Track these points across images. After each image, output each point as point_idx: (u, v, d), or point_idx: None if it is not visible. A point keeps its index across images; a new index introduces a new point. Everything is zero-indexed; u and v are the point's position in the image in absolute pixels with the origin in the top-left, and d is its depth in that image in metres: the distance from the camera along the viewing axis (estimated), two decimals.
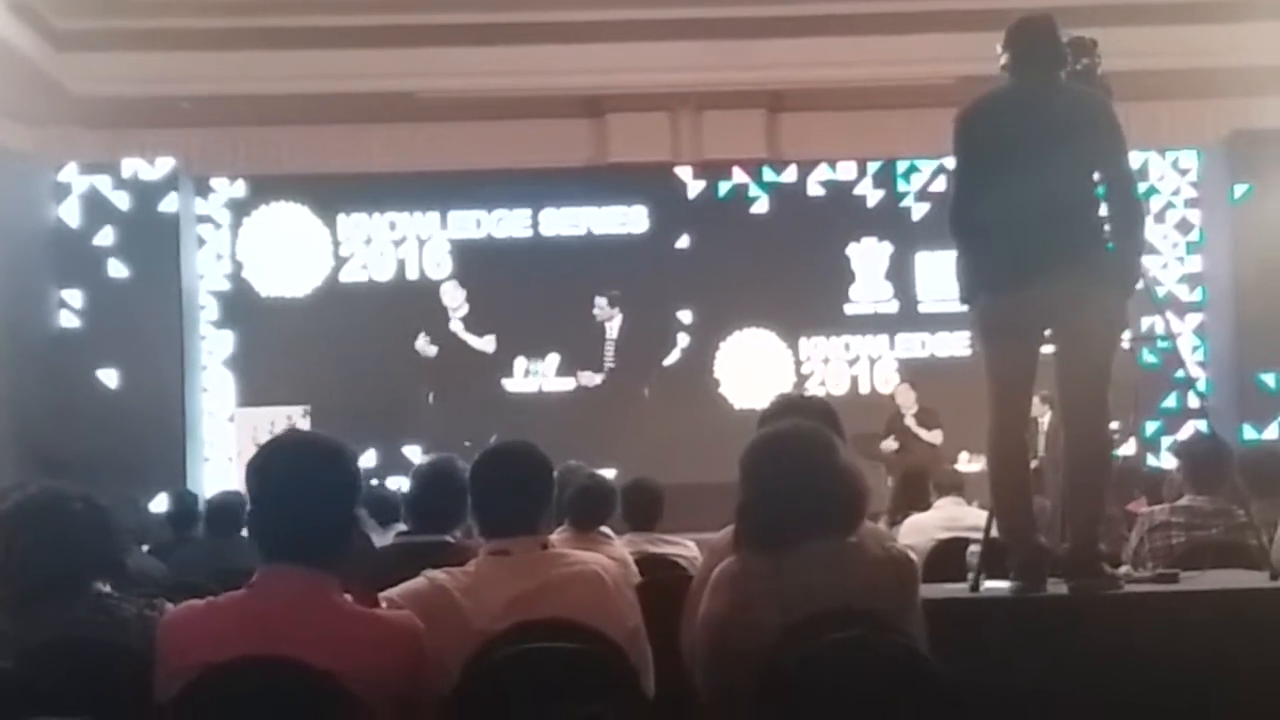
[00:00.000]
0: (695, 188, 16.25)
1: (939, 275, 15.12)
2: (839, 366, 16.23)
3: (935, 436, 13.74)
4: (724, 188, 16.25)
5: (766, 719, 3.45)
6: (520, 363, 16.18)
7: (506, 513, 3.95)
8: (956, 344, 15.54)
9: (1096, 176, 4.99)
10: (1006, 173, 4.94)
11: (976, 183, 5.06)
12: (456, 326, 16.14)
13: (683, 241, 16.20)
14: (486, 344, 16.09)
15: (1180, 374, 13.85)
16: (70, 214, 15.25)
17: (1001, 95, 5.14)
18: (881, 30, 14.31)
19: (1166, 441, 14.49)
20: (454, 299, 16.16)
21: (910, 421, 14.01)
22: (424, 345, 16.02)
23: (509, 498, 3.96)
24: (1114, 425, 5.25)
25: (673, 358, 16.21)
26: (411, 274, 16.27)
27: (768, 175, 16.23)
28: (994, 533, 5.13)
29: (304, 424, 15.01)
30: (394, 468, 14.41)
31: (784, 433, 3.87)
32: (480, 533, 4.06)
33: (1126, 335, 5.60)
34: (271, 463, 3.42)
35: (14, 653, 3.37)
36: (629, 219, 16.32)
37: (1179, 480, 6.81)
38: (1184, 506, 6.42)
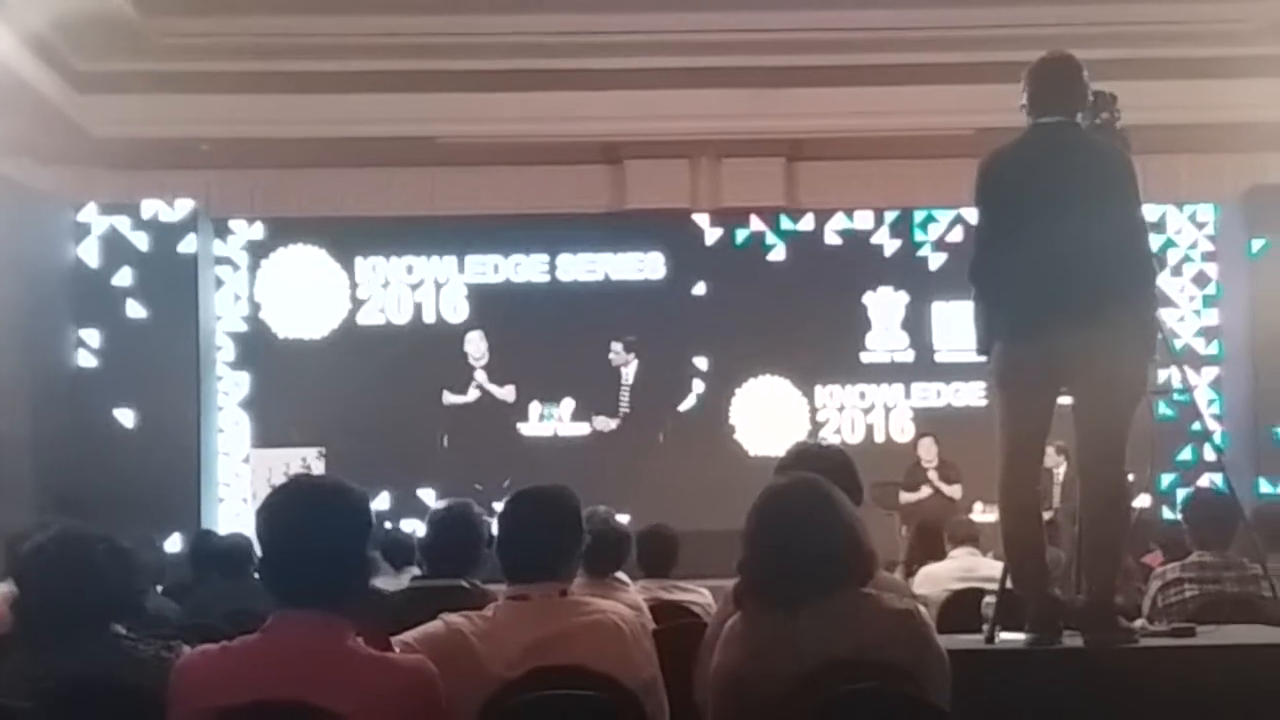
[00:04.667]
0: (713, 235, 16.28)
1: (955, 325, 15.13)
2: (854, 415, 16.21)
3: (955, 491, 13.74)
4: (741, 235, 16.28)
5: None
6: (535, 407, 16.18)
7: (529, 557, 3.95)
8: (972, 394, 15.52)
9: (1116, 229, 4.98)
10: (1027, 223, 4.94)
11: (997, 233, 5.05)
12: (480, 377, 16.16)
13: (699, 288, 16.21)
14: (507, 394, 16.12)
15: (1197, 427, 13.80)
16: (89, 254, 15.31)
17: (1022, 145, 5.14)
18: (901, 81, 14.33)
19: (1182, 494, 14.45)
20: (478, 349, 16.18)
21: (932, 475, 14.03)
22: (451, 395, 16.07)
23: (533, 542, 3.95)
24: (1130, 478, 5.23)
25: (688, 404, 16.21)
26: (429, 318, 16.30)
27: (785, 223, 16.26)
28: (1009, 584, 5.11)
29: (319, 466, 15.04)
30: (408, 511, 14.41)
31: (781, 492, 3.84)
32: (503, 576, 4.05)
33: None
34: (280, 509, 3.42)
35: (33, 692, 3.38)
36: (646, 265, 16.36)
37: (1187, 537, 6.80)
38: (1194, 563, 6.41)
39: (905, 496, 13.97)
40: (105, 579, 3.74)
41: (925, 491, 14.00)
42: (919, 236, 16.19)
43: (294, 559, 3.37)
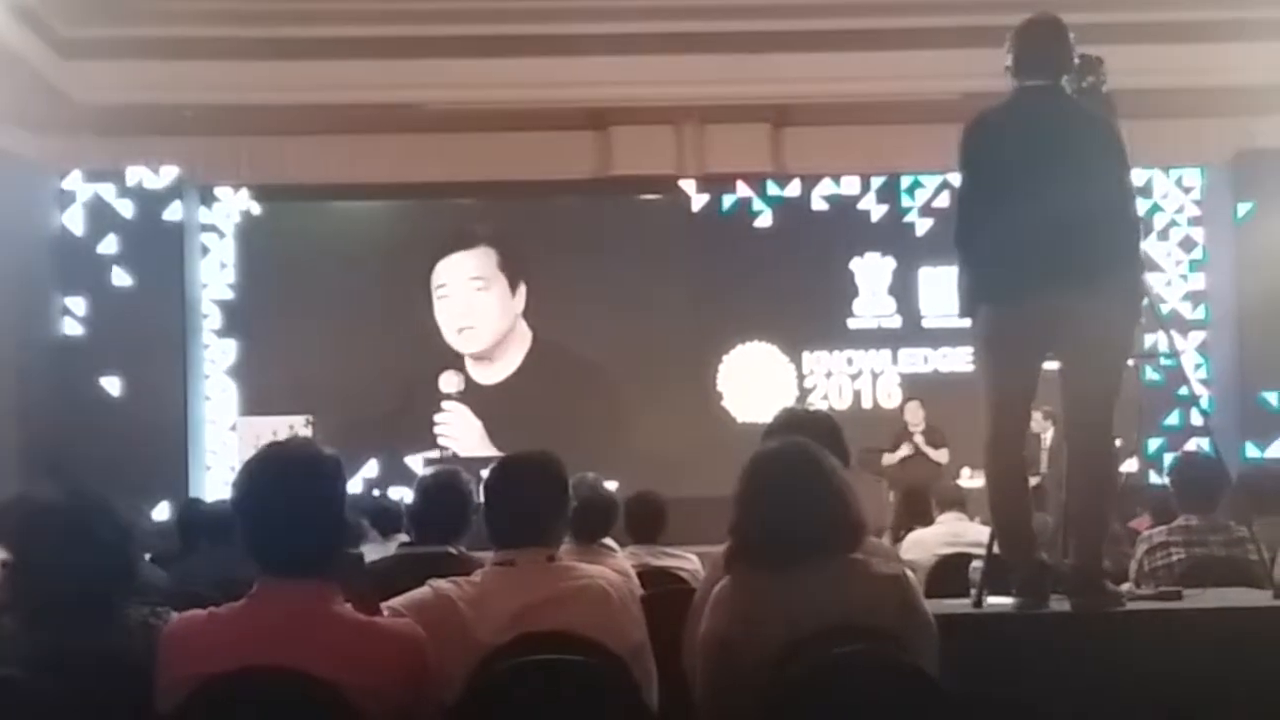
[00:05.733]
0: (699, 201, 16.24)
1: (942, 290, 15.14)
2: (841, 381, 16.21)
3: (942, 455, 13.77)
4: (727, 201, 16.25)
5: None
6: None
7: (516, 523, 3.94)
8: (959, 359, 15.50)
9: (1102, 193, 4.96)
10: (1012, 187, 4.91)
11: (982, 197, 5.02)
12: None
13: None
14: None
15: (1183, 391, 13.83)
16: (74, 222, 15.26)
17: (1007, 109, 5.11)
18: (886, 45, 14.29)
19: (1169, 458, 14.47)
20: None
21: (919, 439, 14.04)
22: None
23: (520, 508, 3.95)
24: (1117, 442, 5.23)
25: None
26: None
27: (771, 189, 16.23)
28: (996, 549, 5.12)
29: (306, 434, 15.01)
30: (396, 478, 14.41)
31: (770, 456, 3.86)
32: (490, 542, 4.04)
33: None
34: (253, 477, 3.42)
35: (21, 660, 3.36)
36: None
37: (1173, 501, 6.81)
38: (1180, 526, 6.42)
39: (886, 458, 13.97)
40: (102, 546, 3.72)
41: (905, 450, 14.02)
42: (905, 202, 16.17)
43: (269, 526, 3.37)
